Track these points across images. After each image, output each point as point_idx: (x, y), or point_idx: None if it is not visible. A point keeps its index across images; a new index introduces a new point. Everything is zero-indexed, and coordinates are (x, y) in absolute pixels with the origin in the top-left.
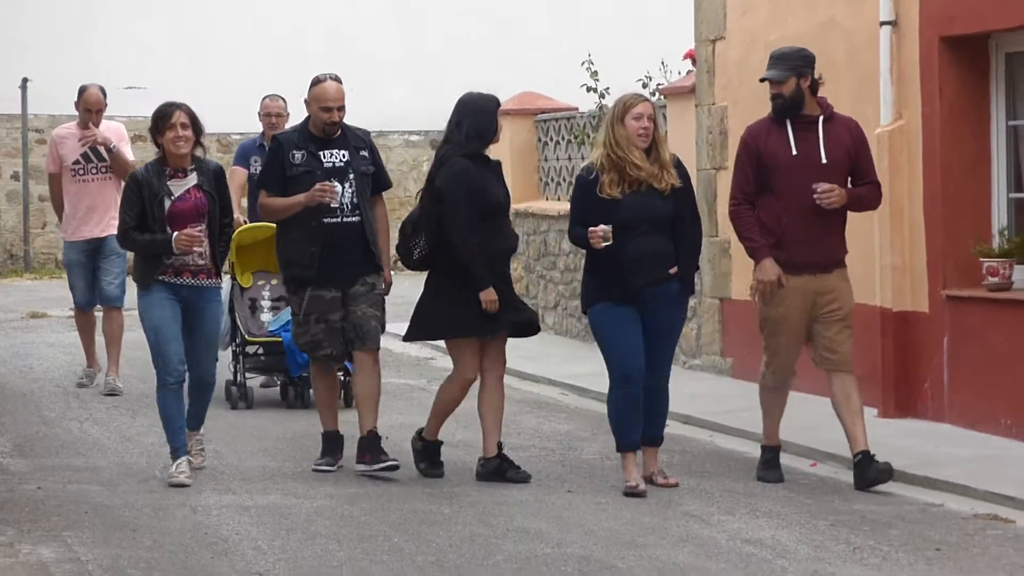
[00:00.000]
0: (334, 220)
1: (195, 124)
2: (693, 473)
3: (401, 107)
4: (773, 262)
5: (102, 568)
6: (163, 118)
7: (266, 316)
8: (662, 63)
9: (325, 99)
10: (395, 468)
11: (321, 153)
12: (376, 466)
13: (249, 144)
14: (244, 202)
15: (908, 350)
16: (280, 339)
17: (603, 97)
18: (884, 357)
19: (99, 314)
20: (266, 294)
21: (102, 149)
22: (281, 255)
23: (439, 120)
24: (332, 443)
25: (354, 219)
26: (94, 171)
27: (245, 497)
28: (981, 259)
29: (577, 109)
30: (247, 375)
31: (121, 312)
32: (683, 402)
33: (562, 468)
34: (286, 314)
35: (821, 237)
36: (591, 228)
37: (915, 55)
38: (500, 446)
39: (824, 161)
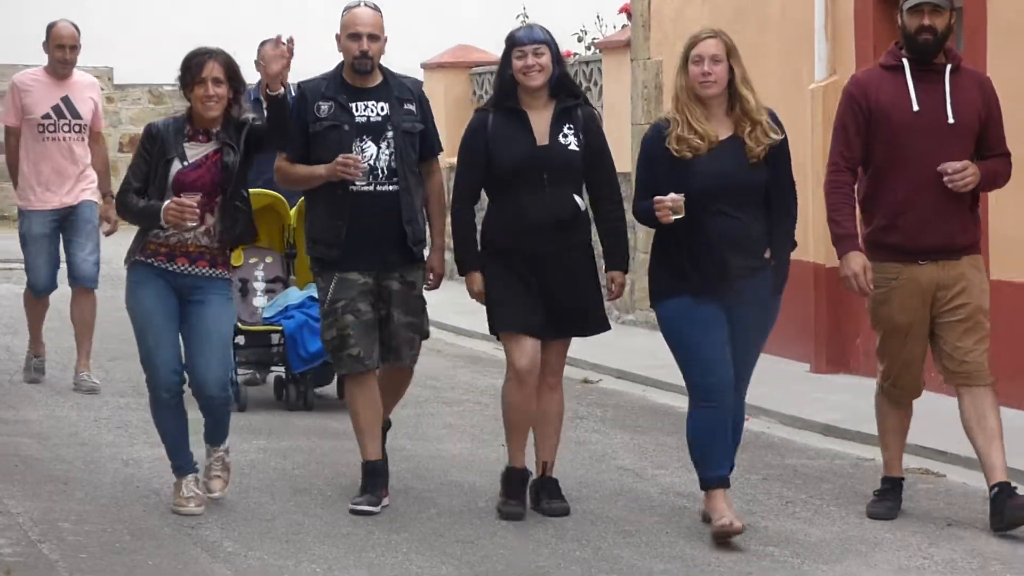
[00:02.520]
0: (365, 188)
1: (233, 77)
2: (627, 428)
3: (331, 62)
4: (859, 254)
5: (33, 521)
6: (192, 70)
7: (260, 300)
8: (597, 17)
9: (354, 24)
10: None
11: (353, 105)
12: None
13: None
14: None
15: (840, 305)
16: (280, 327)
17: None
18: (816, 312)
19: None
20: (259, 274)
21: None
22: (307, 232)
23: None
24: (374, 476)
25: (390, 187)
26: (66, 128)
27: None
28: None
29: None
30: (239, 371)
31: (95, 295)
32: (617, 357)
33: (496, 423)
34: (284, 298)
35: (947, 214)
36: (657, 197)
37: (850, 11)
38: (545, 466)
39: (951, 121)
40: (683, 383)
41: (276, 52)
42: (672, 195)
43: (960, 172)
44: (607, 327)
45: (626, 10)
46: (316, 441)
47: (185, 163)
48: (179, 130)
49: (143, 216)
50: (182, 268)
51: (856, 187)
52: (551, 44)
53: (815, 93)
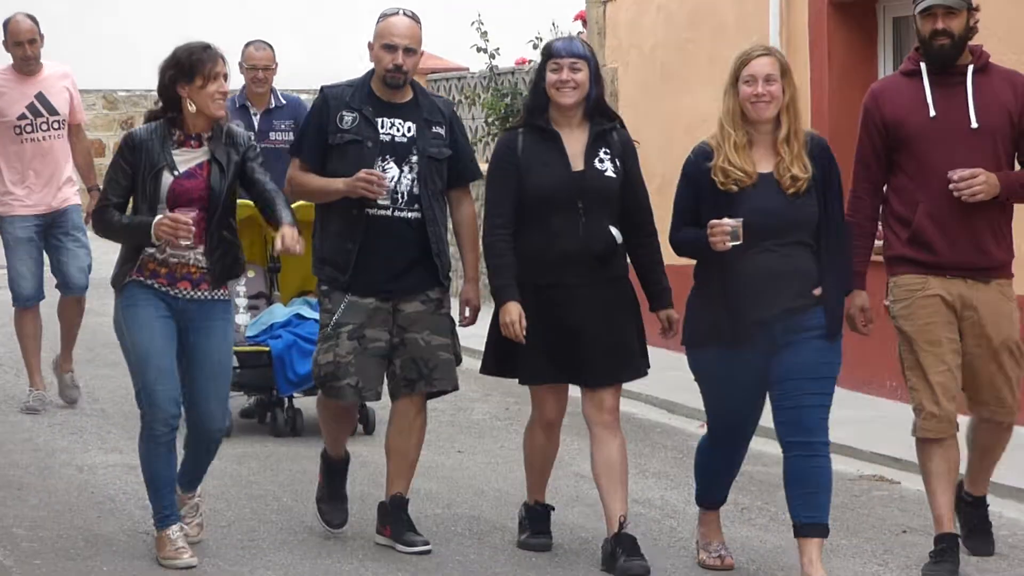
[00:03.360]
0: (383, 212)
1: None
2: (583, 434)
3: (291, 66)
4: (862, 293)
5: None
6: (198, 66)
7: (242, 318)
8: (553, 24)
9: (390, 34)
10: (424, 552)
11: (379, 120)
12: (403, 547)
13: (227, 104)
14: None
15: None
16: (266, 348)
17: (493, 58)
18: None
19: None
20: (241, 290)
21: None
22: (316, 252)
23: (329, 79)
24: (337, 472)
25: (409, 214)
26: (44, 127)
27: (132, 456)
28: None
29: (468, 69)
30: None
31: (84, 298)
32: None
33: (452, 429)
34: (268, 315)
35: (974, 229)
36: (713, 221)
37: (804, 19)
38: (622, 522)
39: (974, 125)
40: (639, 390)
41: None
42: (728, 219)
43: (967, 180)
44: (646, 371)
45: (581, 17)
46: (271, 447)
47: (176, 173)
48: (164, 137)
49: (129, 233)
50: (184, 293)
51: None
52: (590, 60)
53: None
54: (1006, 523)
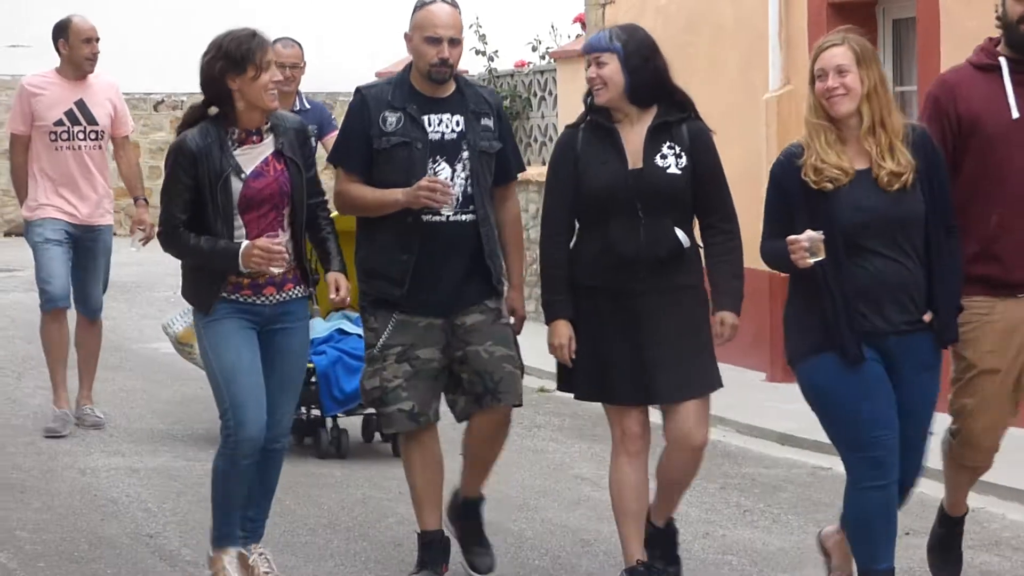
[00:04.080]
0: (437, 218)
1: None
2: (584, 437)
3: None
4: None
5: None
6: (249, 55)
7: None
8: (552, 26)
9: (432, 24)
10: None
11: (425, 118)
12: (468, 567)
13: None
14: None
15: None
16: (310, 364)
17: (492, 60)
18: (772, 321)
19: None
20: None
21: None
22: (362, 264)
23: (324, 85)
24: (432, 549)
25: (464, 217)
26: (82, 135)
27: (134, 459)
28: None
29: (467, 72)
30: None
31: (101, 321)
32: None
33: (455, 432)
34: (313, 325)
35: None
36: (791, 237)
37: (804, 20)
38: (669, 524)
39: None
40: None
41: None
42: (809, 233)
43: None
44: (717, 386)
45: (580, 20)
46: None
47: (244, 175)
48: (221, 137)
49: (213, 258)
50: (270, 298)
51: None
52: (619, 50)
53: (769, 103)
54: (1009, 525)
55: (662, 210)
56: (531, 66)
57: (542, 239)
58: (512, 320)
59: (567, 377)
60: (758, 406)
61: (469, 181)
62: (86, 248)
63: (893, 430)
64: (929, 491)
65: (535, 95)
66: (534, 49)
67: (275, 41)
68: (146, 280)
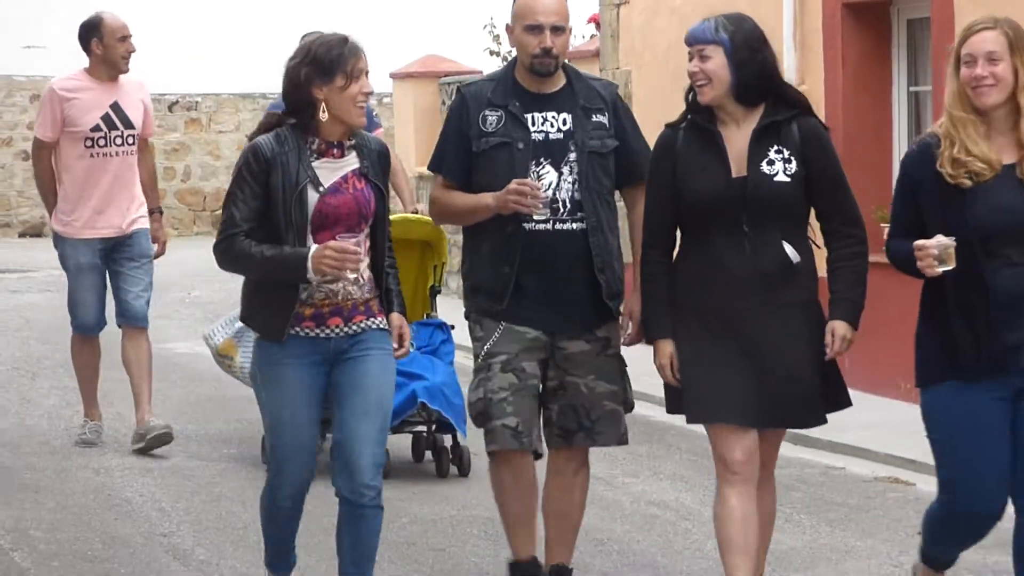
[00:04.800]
0: (541, 226)
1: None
2: None
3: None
4: None
5: (4, 529)
6: (339, 62)
7: None
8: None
9: (532, 12)
10: None
11: (529, 116)
12: None
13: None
14: None
15: None
16: None
17: (505, 60)
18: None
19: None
20: None
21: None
22: (465, 277)
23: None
24: None
25: (574, 226)
26: (118, 140)
27: (148, 459)
28: (882, 225)
29: (481, 72)
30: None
31: (148, 332)
32: None
33: (470, 431)
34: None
35: None
36: (919, 242)
37: (818, 21)
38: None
39: None
40: (653, 392)
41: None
42: (940, 238)
43: None
44: (824, 418)
45: (595, 20)
46: None
47: (322, 189)
48: (300, 146)
49: (275, 268)
50: (336, 330)
51: None
52: (726, 43)
53: None
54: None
55: (769, 222)
56: None
57: (642, 253)
58: (629, 328)
59: (675, 398)
60: None
61: (577, 185)
62: (121, 255)
63: (997, 485)
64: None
65: None
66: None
67: (304, 37)
68: (160, 281)
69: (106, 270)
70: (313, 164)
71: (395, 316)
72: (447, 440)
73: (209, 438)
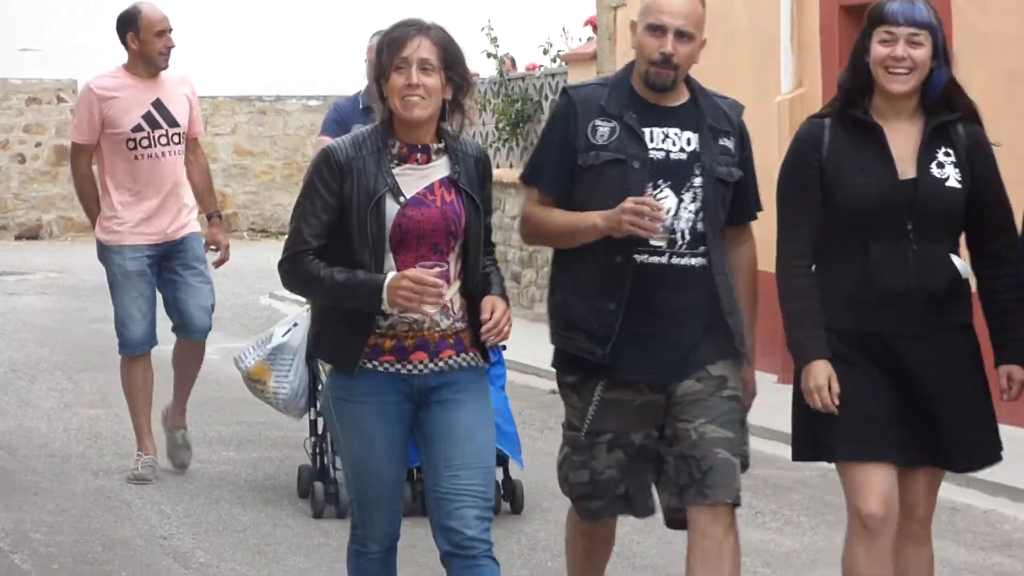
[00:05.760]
0: (655, 259)
1: (452, 65)
2: None
3: (298, 71)
4: None
5: (4, 532)
6: (393, 46)
7: None
8: (563, 29)
9: (657, 9)
10: None
11: (647, 131)
12: None
13: (347, 106)
14: None
15: None
16: None
17: (503, 63)
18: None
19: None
20: None
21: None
22: (557, 311)
23: (336, 86)
24: None
25: (692, 261)
26: (163, 140)
27: None
28: None
29: (478, 75)
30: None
31: (204, 347)
32: None
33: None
34: None
35: None
36: None
37: (816, 22)
38: None
39: None
40: None
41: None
42: None
43: None
44: (1000, 454)
45: (592, 23)
46: (285, 451)
47: (403, 200)
48: (379, 148)
49: (348, 295)
50: (420, 366)
51: None
52: (936, 32)
53: (781, 105)
54: (1021, 526)
55: (937, 232)
56: (542, 69)
57: (779, 264)
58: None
59: (806, 439)
60: (769, 408)
61: (700, 215)
62: (175, 263)
63: None
64: (940, 494)
65: (546, 98)
66: (545, 52)
67: (374, 35)
68: None
69: (155, 282)
70: (394, 171)
71: (489, 298)
72: (499, 473)
73: (209, 440)
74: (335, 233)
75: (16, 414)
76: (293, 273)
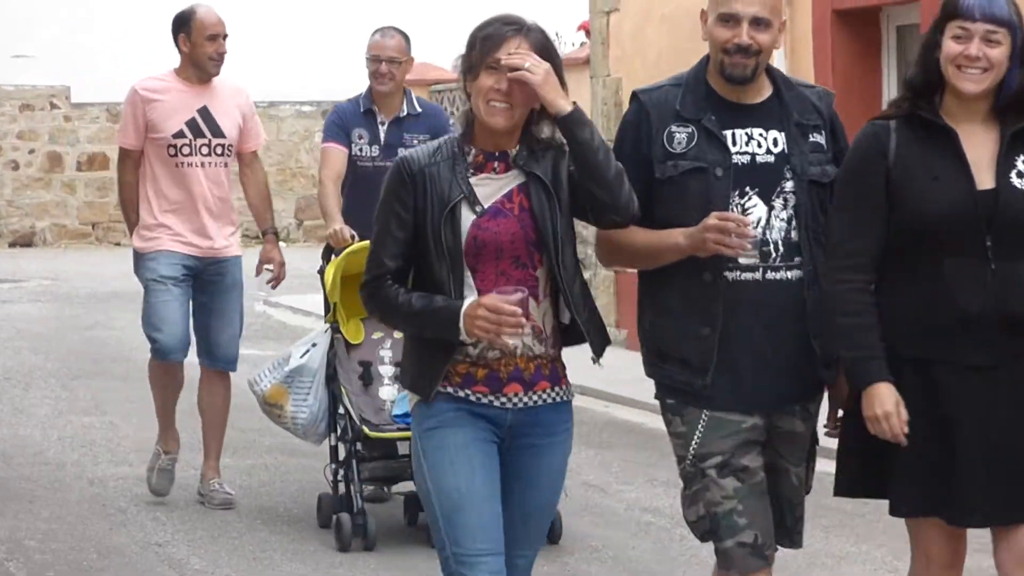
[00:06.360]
0: (748, 275)
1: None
2: (591, 444)
3: (292, 77)
4: None
5: None
6: (487, 44)
7: (387, 391)
8: (556, 34)
9: (729, 2)
10: None
11: (728, 133)
12: None
13: (348, 108)
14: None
15: None
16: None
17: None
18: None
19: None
20: (386, 355)
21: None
22: (647, 339)
23: (330, 91)
24: None
25: (788, 274)
26: (205, 150)
27: (142, 469)
28: None
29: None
30: (363, 489)
31: (230, 378)
32: (578, 373)
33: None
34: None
35: None
36: None
37: (808, 27)
38: None
39: None
40: (645, 399)
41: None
42: None
43: None
44: None
45: (585, 28)
46: (280, 458)
47: (479, 209)
48: (454, 156)
49: (426, 324)
50: (515, 399)
51: None
52: (1017, 30)
53: None
54: None
55: (1018, 249)
56: None
57: (827, 277)
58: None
59: (857, 472)
60: None
61: (794, 223)
62: (210, 285)
63: None
64: None
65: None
66: None
67: (375, 32)
68: None
69: (190, 295)
70: (471, 177)
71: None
72: None
73: (202, 447)
74: (415, 250)
75: (10, 422)
76: (373, 300)
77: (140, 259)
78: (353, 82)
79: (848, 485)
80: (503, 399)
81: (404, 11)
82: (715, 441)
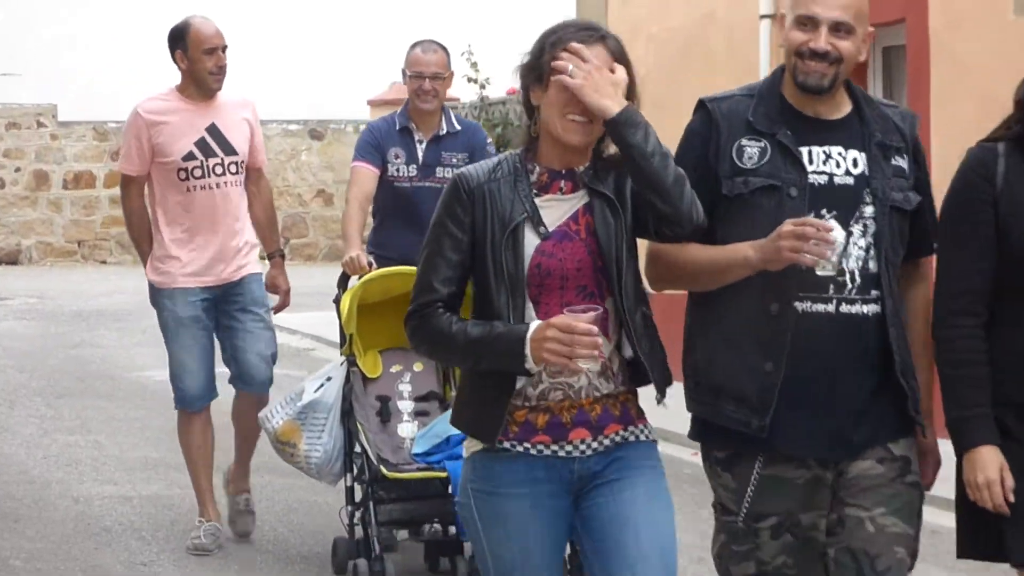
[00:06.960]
0: (820, 307)
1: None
2: None
3: (278, 96)
4: None
5: None
6: (540, 54)
7: (406, 428)
8: None
9: (807, 3)
10: None
11: (805, 150)
12: None
13: (382, 127)
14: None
15: None
16: (442, 472)
17: (484, 88)
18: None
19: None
20: (405, 389)
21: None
22: (696, 372)
23: (316, 109)
24: None
25: (867, 309)
26: (219, 170)
27: (127, 488)
28: None
29: (459, 100)
30: (380, 531)
31: (266, 398)
32: None
33: None
34: (443, 424)
35: None
36: None
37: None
38: None
39: None
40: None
41: None
42: None
43: None
44: None
45: None
46: (267, 478)
47: (544, 231)
48: (516, 175)
49: (485, 353)
50: (581, 446)
51: None
52: None
53: None
54: None
55: None
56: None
57: (938, 321)
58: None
59: (977, 532)
60: None
61: (872, 252)
62: (232, 307)
63: None
64: (929, 517)
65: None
66: None
67: (414, 45)
68: (138, 308)
69: (213, 327)
70: (536, 198)
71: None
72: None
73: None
74: (471, 275)
75: None
76: (421, 330)
77: (156, 294)
78: (340, 101)
79: (974, 549)
80: (568, 447)
81: (390, 30)
82: (771, 502)
